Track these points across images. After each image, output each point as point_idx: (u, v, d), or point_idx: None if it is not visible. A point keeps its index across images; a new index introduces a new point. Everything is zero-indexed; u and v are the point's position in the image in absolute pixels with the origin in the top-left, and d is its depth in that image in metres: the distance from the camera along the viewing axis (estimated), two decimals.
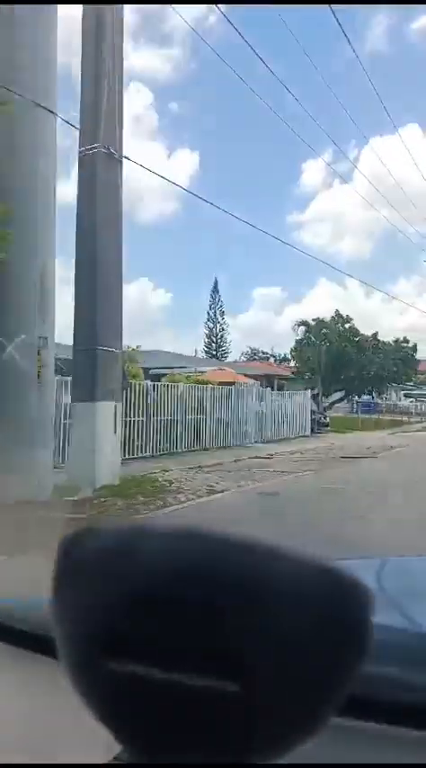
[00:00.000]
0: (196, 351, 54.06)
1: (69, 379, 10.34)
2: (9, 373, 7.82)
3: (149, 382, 15.45)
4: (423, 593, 1.27)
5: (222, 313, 62.47)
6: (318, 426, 24.38)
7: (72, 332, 9.22)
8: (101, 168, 8.97)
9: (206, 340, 61.27)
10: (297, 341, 36.56)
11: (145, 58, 67.93)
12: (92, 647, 0.34)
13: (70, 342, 9.29)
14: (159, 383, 15.95)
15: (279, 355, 59.57)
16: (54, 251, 8.48)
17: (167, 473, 10.83)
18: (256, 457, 14.84)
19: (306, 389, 29.56)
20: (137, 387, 14.40)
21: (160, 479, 10.08)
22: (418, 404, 42.45)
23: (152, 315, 73.72)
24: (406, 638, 0.84)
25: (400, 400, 45.18)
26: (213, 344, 61.08)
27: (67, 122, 8.94)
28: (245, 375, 28.83)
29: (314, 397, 29.86)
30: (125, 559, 0.34)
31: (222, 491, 9.32)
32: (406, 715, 0.68)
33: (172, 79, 70.36)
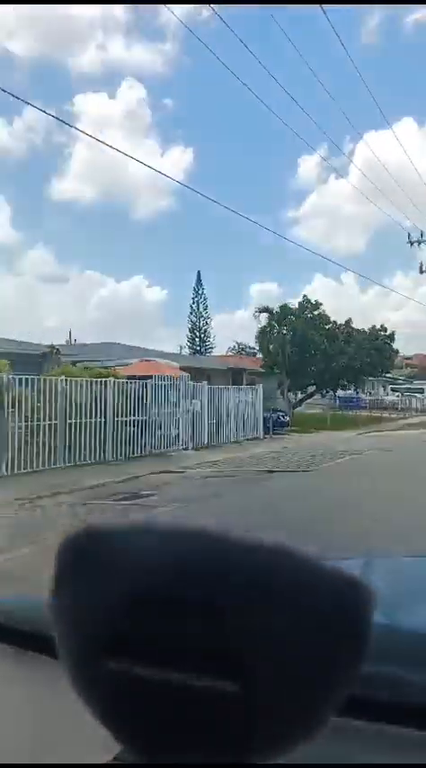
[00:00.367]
0: (181, 347, 52.34)
1: None
2: None
3: (5, 375, 11.39)
4: (423, 593, 1.27)
5: (206, 307, 59.06)
6: (277, 426, 21.80)
7: None
8: None
9: (189, 335, 58.12)
10: (259, 330, 31.32)
11: (137, 54, 67.94)
12: (92, 647, 0.34)
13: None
14: (36, 377, 12.20)
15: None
16: None
17: None
18: (163, 471, 11.80)
19: (280, 384, 28.48)
20: None
21: None
22: (405, 399, 40.07)
23: (148, 313, 73.59)
24: (406, 638, 0.84)
25: (387, 395, 43.03)
26: (196, 339, 58.09)
27: None
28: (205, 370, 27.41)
29: (283, 392, 29.09)
30: (125, 559, 0.34)
31: None
32: (406, 715, 0.68)
33: (163, 75, 70.45)
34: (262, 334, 30.95)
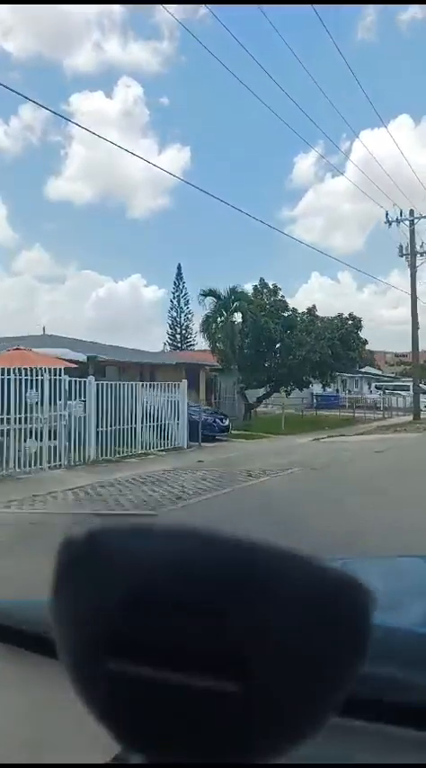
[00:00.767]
0: (165, 344, 51.05)
1: None
2: None
3: None
4: (423, 593, 1.27)
5: (187, 302, 54.49)
6: (216, 431, 17.71)
7: None
8: None
9: (169, 331, 54.87)
10: (205, 317, 26.04)
11: (133, 52, 67.89)
12: (92, 648, 0.34)
13: None
14: None
15: None
16: None
17: None
18: None
19: (240, 381, 25.04)
20: None
21: None
22: (389, 397, 35.66)
23: (145, 311, 73.24)
24: (406, 638, 0.84)
25: (371, 392, 39.99)
26: (177, 335, 54.47)
27: None
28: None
29: (241, 390, 25.56)
30: (125, 559, 0.34)
31: None
32: (406, 715, 0.68)
33: (160, 73, 70.42)
34: (208, 323, 25.89)
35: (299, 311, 26.40)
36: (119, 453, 13.21)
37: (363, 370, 52.67)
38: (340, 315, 26.94)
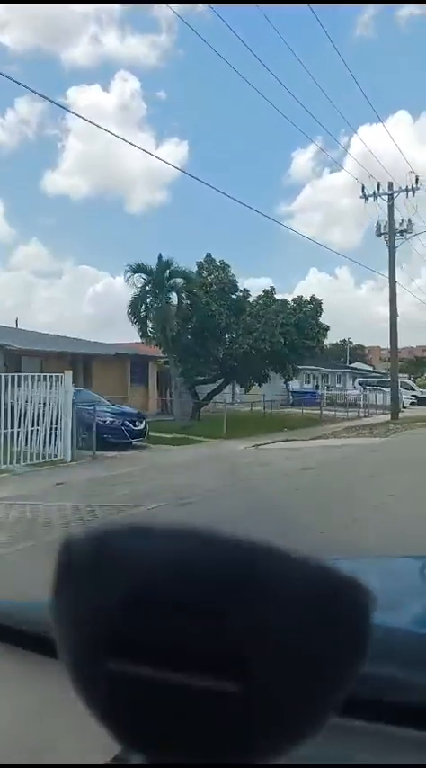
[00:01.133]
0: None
1: None
2: None
3: None
4: (423, 593, 1.27)
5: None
6: (122, 437, 13.95)
7: None
8: None
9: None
10: (133, 298, 20.73)
11: (131, 46, 67.93)
12: (92, 648, 0.34)
13: None
14: None
15: None
16: None
17: None
18: None
19: (182, 374, 20.95)
20: None
21: None
22: (372, 394, 31.70)
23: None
24: (406, 638, 0.84)
25: (355, 388, 36.83)
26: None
27: None
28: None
29: (189, 386, 21.68)
30: (125, 559, 0.34)
31: None
32: (406, 715, 0.68)
33: (158, 67, 70.53)
34: (136, 305, 20.60)
35: (254, 292, 22.49)
36: None
37: (353, 365, 51.21)
38: (300, 297, 23.18)
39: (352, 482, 9.80)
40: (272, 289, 23.03)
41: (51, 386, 12.00)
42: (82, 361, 20.47)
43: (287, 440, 16.83)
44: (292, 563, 0.34)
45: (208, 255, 22.52)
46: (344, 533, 6.01)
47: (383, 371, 49.81)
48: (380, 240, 26.67)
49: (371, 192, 26.32)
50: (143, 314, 20.84)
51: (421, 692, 0.71)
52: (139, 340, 21.78)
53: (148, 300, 20.89)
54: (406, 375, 46.51)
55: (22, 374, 12.30)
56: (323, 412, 24.64)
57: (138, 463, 12.26)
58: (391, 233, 26.56)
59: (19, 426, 11.24)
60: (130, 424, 14.57)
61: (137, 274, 20.97)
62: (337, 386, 40.21)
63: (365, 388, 34.96)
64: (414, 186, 25.87)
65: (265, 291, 22.69)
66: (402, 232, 26.82)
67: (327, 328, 23.45)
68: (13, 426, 11.04)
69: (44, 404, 11.69)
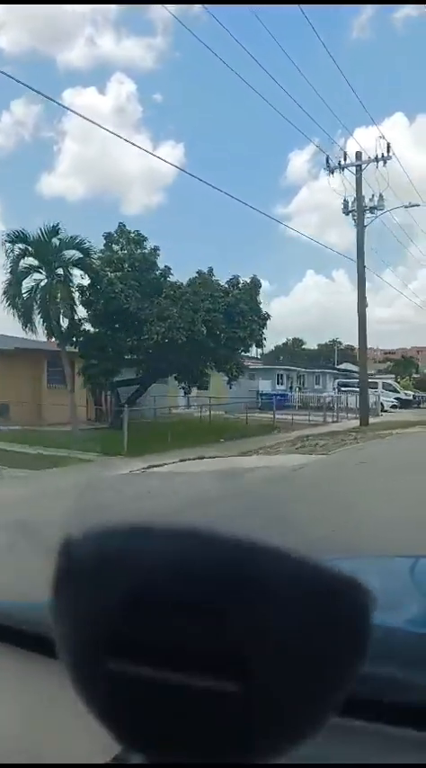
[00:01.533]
0: None
1: None
2: None
3: None
4: (423, 593, 1.27)
5: None
6: None
7: None
8: None
9: None
10: (10, 275, 16.12)
11: (127, 48, 67.91)
12: (92, 648, 0.34)
13: None
14: None
15: None
16: None
17: None
18: None
19: (86, 371, 16.83)
20: None
21: None
22: (350, 395, 27.27)
23: None
24: (406, 638, 0.84)
25: (335, 390, 32.79)
26: None
27: None
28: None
29: (109, 387, 17.97)
30: (125, 559, 0.34)
31: None
32: (406, 715, 0.68)
33: (154, 69, 70.61)
34: (14, 284, 15.93)
35: (177, 274, 17.55)
36: None
37: (341, 366, 48.77)
38: (235, 277, 18.06)
39: None
40: (210, 270, 17.80)
41: None
42: None
43: (201, 457, 12.54)
44: (292, 563, 0.34)
45: (121, 226, 17.83)
46: None
47: (371, 372, 48.94)
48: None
49: (337, 164, 22.25)
50: (25, 295, 15.89)
51: (421, 692, 0.71)
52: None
53: (35, 279, 16.14)
54: (393, 376, 44.74)
55: None
56: (289, 416, 21.03)
57: None
58: (359, 209, 22.47)
59: None
60: None
61: (17, 245, 16.08)
62: (316, 387, 36.71)
63: (340, 390, 31.16)
64: (385, 155, 22.08)
65: (199, 272, 17.65)
66: (372, 209, 22.74)
67: (267, 317, 18.32)
68: None
69: None
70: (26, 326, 16.09)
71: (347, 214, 22.92)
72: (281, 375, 35.60)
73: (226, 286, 17.89)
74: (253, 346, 20.12)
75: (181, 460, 12.32)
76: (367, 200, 22.58)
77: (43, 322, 15.97)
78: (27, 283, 16.13)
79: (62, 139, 77.01)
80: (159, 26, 64.60)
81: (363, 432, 18.79)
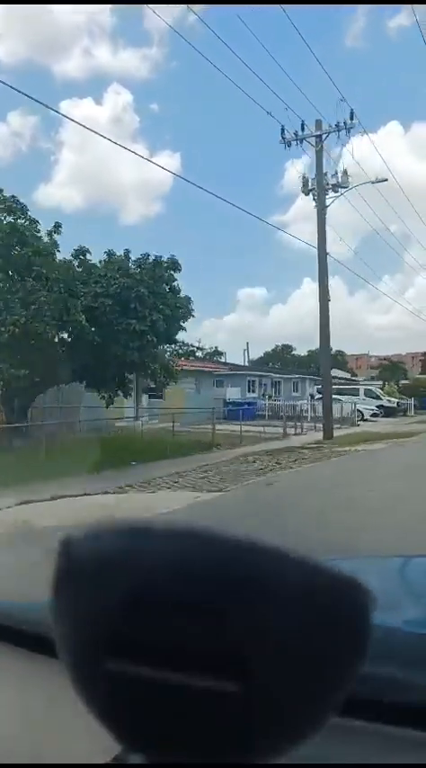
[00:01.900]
0: None
1: None
2: None
3: None
4: (423, 593, 1.27)
5: None
6: None
7: None
8: None
9: None
10: None
11: (123, 59, 67.93)
12: (92, 648, 0.34)
13: None
14: None
15: (211, 348, 47.97)
16: None
17: None
18: None
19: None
20: None
21: None
22: (315, 404, 24.36)
23: None
24: (406, 638, 0.84)
25: (314, 397, 28.06)
26: None
27: None
28: None
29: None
30: (125, 559, 0.34)
31: None
32: (406, 715, 0.68)
33: (151, 79, 70.63)
34: None
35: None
36: None
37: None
38: (145, 256, 14.55)
39: None
40: (127, 252, 14.65)
41: None
42: None
43: (54, 497, 8.72)
44: (292, 563, 0.34)
45: None
46: None
47: (360, 379, 46.13)
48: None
49: (294, 135, 18.96)
50: None
51: (421, 692, 0.71)
52: None
53: None
54: (381, 382, 42.59)
55: None
56: (260, 428, 18.47)
57: None
58: (320, 187, 19.00)
59: None
60: None
61: None
62: (293, 394, 33.69)
63: (316, 398, 26.92)
64: (348, 123, 19.08)
65: (108, 251, 14.40)
66: (334, 186, 19.48)
67: (184, 306, 14.64)
68: None
69: None
70: None
71: (307, 194, 19.54)
72: (253, 382, 32.62)
73: (134, 268, 14.15)
74: (165, 343, 15.63)
75: (22, 503, 8.38)
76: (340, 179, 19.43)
77: None
78: None
79: (59, 150, 77.09)
80: (155, 36, 64.80)
81: (320, 448, 15.49)
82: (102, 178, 72.27)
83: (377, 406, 30.91)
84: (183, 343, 17.53)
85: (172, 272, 14.66)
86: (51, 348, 13.12)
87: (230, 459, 13.54)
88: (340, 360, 61.68)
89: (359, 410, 27.12)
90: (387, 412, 30.81)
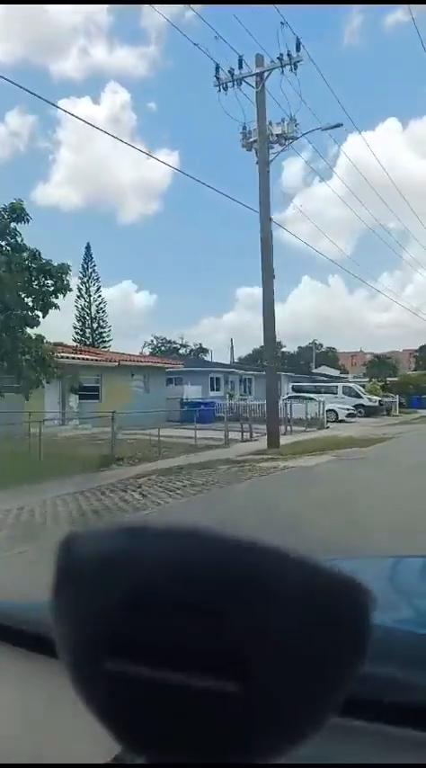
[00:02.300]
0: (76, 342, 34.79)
1: None
2: None
3: None
4: (423, 593, 1.27)
5: (98, 288, 42.19)
6: None
7: None
8: None
9: (77, 324, 41.87)
10: None
11: (120, 58, 67.94)
12: (92, 648, 0.34)
13: None
14: None
15: (196, 345, 48.50)
16: None
17: None
18: None
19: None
20: None
21: None
22: (299, 403, 21.84)
23: (136, 317, 71.62)
24: (406, 638, 0.84)
25: (288, 395, 25.06)
26: (86, 330, 42.12)
27: None
28: None
29: None
30: (125, 559, 0.34)
31: None
32: (406, 715, 0.68)
33: (149, 78, 70.49)
34: None
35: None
36: None
37: (319, 369, 45.19)
38: (6, 206, 11.73)
39: None
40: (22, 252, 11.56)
41: None
42: None
43: None
44: (292, 563, 0.34)
45: None
46: None
47: (350, 376, 43.96)
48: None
49: (228, 75, 14.85)
50: None
51: (421, 692, 0.71)
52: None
53: None
54: (367, 378, 40.39)
55: None
56: (219, 432, 15.33)
57: None
58: (262, 136, 15.40)
59: None
60: None
61: None
62: (233, 394, 29.30)
63: (290, 396, 24.85)
64: (295, 58, 14.73)
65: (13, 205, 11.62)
66: (280, 137, 15.80)
67: (65, 285, 11.84)
68: None
69: None
70: None
71: (249, 149, 15.87)
72: (217, 379, 29.00)
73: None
74: (25, 326, 11.80)
75: None
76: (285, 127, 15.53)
77: None
78: None
79: (57, 149, 76.93)
80: (152, 34, 64.50)
81: (244, 463, 11.92)
82: (101, 177, 72.19)
83: (354, 406, 27.66)
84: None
85: (13, 224, 10.78)
86: None
87: (120, 480, 9.84)
88: (330, 356, 61.49)
89: (332, 410, 24.35)
90: (368, 411, 28.10)
